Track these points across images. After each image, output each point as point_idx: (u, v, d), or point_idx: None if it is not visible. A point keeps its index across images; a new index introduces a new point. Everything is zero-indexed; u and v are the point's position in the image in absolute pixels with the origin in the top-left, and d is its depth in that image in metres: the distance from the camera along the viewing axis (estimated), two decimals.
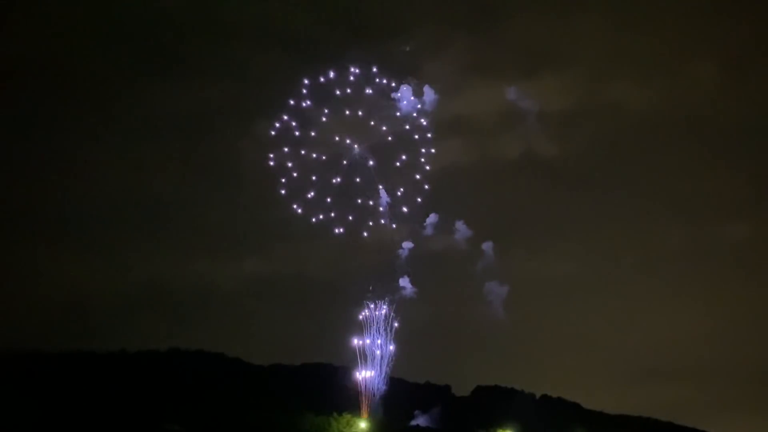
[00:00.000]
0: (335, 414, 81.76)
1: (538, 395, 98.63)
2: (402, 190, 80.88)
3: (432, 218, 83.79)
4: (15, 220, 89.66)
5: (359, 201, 79.78)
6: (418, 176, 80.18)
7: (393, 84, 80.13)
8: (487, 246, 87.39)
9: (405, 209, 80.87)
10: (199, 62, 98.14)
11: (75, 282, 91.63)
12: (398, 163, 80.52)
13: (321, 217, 78.98)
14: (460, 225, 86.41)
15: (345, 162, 79.30)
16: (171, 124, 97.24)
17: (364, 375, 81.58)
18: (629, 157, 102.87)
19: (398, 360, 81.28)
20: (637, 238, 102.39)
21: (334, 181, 78.73)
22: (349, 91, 78.88)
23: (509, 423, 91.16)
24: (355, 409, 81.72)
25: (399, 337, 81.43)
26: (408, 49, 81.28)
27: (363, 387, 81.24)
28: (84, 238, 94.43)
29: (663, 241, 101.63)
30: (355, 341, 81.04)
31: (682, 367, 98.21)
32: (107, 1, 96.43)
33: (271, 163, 78.31)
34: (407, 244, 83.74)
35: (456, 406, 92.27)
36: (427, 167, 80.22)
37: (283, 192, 78.44)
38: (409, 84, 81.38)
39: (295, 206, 78.35)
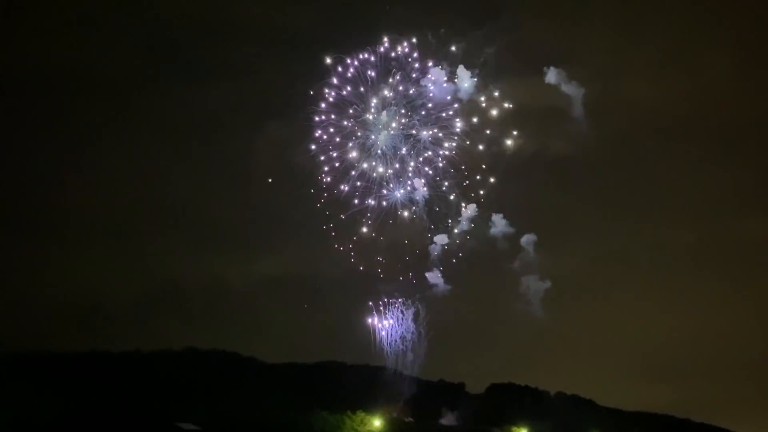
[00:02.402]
0: (349, 412, 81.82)
1: (552, 392, 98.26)
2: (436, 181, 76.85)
3: (471, 210, 78.59)
4: (29, 221, 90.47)
5: (395, 194, 75.75)
6: (452, 169, 76.92)
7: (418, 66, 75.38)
8: (526, 240, 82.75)
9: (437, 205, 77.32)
10: (211, 64, 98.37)
11: (89, 283, 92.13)
12: (430, 153, 76.19)
13: (351, 210, 75.95)
14: (497, 218, 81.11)
15: (376, 152, 75.39)
16: (184, 125, 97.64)
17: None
18: (641, 154, 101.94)
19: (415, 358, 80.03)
20: (649, 235, 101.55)
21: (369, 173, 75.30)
22: (373, 74, 74.74)
23: (524, 421, 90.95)
24: (369, 408, 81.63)
25: (422, 336, 79.26)
26: (443, 31, 75.38)
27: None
28: (98, 238, 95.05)
29: (676, 237, 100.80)
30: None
31: (698, 364, 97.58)
32: (119, 5, 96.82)
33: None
34: (440, 239, 79.06)
35: (470, 404, 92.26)
36: (457, 158, 76.57)
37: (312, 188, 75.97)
38: (441, 68, 76.41)
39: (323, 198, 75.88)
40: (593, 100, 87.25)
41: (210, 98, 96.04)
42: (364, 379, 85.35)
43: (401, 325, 78.87)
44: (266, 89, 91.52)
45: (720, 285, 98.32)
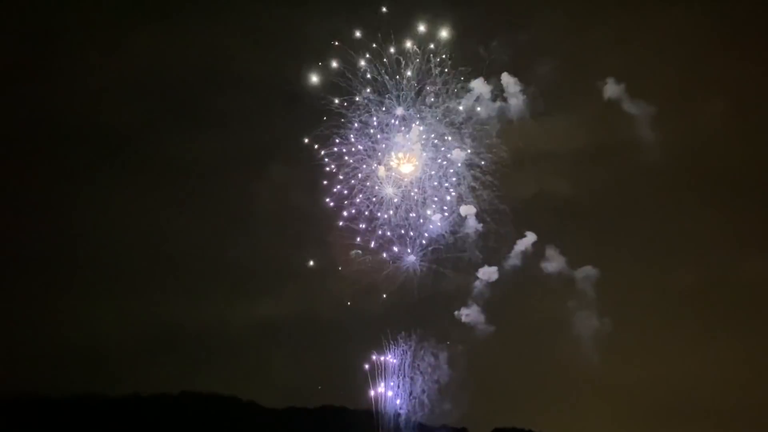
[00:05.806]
0: None
1: None
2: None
3: (529, 239, 73.25)
4: (27, 264, 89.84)
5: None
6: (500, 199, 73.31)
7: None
8: (582, 273, 77.13)
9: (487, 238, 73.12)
10: (211, 111, 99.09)
11: (87, 326, 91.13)
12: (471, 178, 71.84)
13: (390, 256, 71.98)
14: (551, 252, 75.89)
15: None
16: (184, 169, 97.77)
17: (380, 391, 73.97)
18: (640, 198, 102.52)
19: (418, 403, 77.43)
20: (650, 277, 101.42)
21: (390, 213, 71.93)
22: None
23: None
24: None
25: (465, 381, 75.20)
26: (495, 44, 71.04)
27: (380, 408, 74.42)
28: (96, 281, 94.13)
29: (678, 279, 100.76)
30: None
31: (704, 408, 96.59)
32: (123, 52, 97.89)
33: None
34: (487, 274, 73.90)
35: None
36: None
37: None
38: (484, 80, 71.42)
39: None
40: (593, 145, 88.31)
41: (212, 144, 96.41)
42: (366, 425, 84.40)
43: (434, 370, 75.10)
44: (269, 133, 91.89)
45: (727, 327, 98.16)
